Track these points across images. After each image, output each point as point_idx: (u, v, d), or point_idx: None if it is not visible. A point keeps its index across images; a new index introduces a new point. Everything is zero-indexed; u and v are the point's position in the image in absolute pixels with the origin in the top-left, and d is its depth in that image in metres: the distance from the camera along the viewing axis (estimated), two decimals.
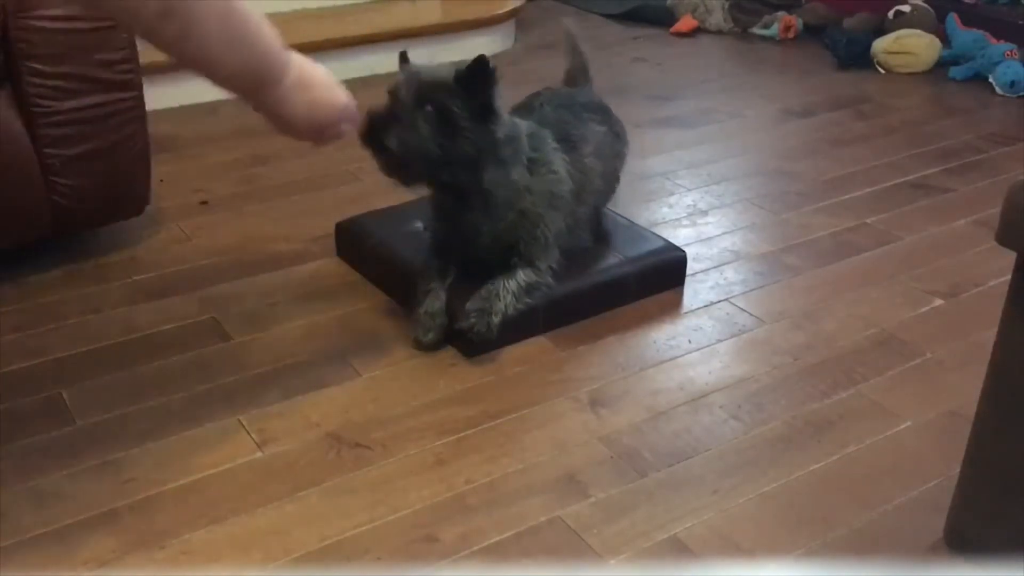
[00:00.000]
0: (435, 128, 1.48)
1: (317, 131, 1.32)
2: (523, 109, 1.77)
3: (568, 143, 1.69)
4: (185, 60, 1.12)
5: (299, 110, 1.26)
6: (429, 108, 1.48)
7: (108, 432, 1.39)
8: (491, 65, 1.49)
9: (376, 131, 1.47)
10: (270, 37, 1.19)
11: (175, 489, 1.29)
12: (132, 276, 1.81)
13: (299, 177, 2.14)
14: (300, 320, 1.68)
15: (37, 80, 1.60)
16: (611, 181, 1.84)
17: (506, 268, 1.61)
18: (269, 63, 1.20)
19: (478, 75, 1.49)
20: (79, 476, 1.31)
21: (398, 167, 1.51)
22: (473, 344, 1.56)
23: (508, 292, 1.58)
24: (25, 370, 1.53)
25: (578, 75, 1.96)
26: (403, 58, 1.60)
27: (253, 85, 1.21)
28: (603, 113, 1.84)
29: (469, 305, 1.57)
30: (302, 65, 1.26)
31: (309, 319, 1.69)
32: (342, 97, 1.33)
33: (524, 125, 1.63)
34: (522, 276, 1.60)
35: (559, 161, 1.65)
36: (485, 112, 1.51)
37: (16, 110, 1.61)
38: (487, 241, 1.62)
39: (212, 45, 1.11)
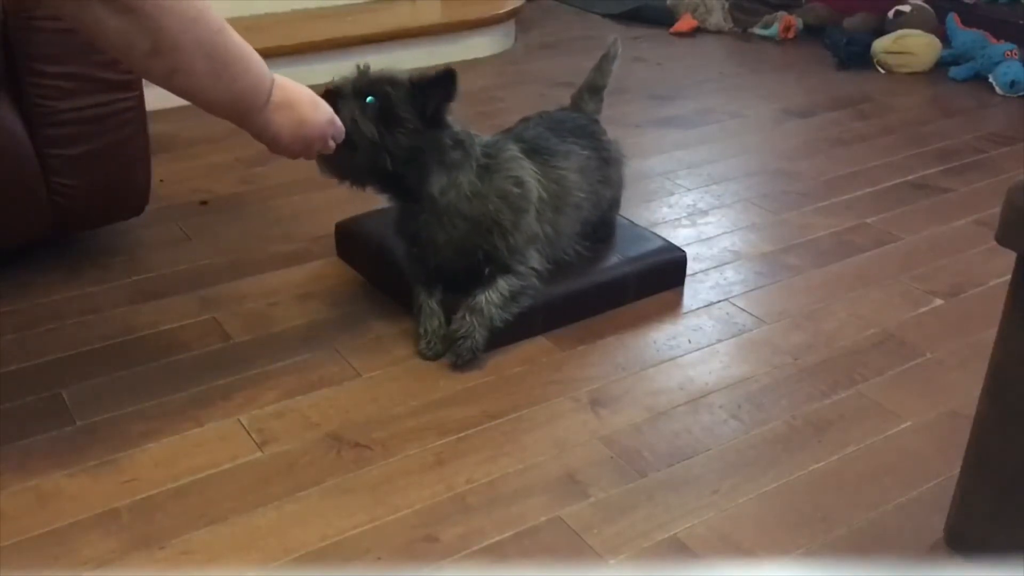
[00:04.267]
0: (375, 116, 1.49)
1: (306, 147, 1.38)
2: (508, 131, 1.75)
3: (540, 155, 1.66)
4: (175, 91, 1.19)
5: (286, 130, 1.32)
6: (370, 99, 1.50)
7: (108, 432, 1.39)
8: (455, 83, 1.50)
9: None
10: (255, 64, 1.24)
11: (175, 489, 1.29)
12: (132, 276, 1.81)
13: (299, 177, 2.13)
14: (300, 320, 1.68)
15: (37, 80, 1.60)
16: (603, 207, 1.79)
17: (484, 277, 1.59)
18: (254, 90, 1.25)
19: (440, 86, 1.50)
20: (79, 476, 1.31)
21: (336, 158, 1.47)
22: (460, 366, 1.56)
23: (491, 304, 1.56)
24: (25, 370, 1.53)
25: (587, 96, 1.88)
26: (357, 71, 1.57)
27: (241, 111, 1.27)
28: (591, 139, 1.78)
29: (452, 328, 1.56)
30: (284, 87, 1.31)
31: (309, 319, 1.69)
32: (326, 113, 1.38)
33: (482, 137, 1.61)
34: (503, 285, 1.58)
35: (519, 166, 1.61)
36: (433, 119, 1.52)
37: (16, 110, 1.61)
38: (449, 252, 1.59)
39: (199, 78, 1.17)
